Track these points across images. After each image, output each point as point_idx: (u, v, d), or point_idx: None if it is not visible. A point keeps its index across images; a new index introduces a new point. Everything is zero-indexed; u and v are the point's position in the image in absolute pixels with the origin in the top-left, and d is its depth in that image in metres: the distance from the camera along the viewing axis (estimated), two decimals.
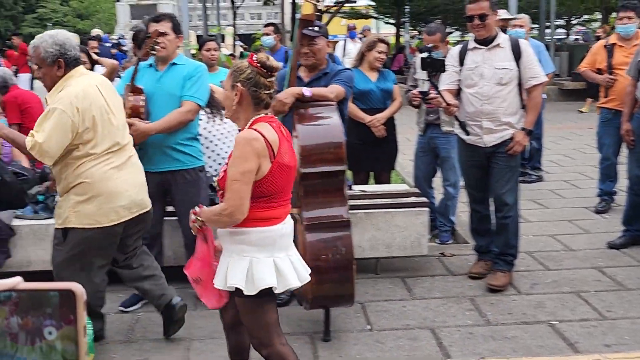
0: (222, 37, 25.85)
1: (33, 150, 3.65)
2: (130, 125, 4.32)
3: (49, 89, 3.86)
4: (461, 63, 5.03)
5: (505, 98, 4.91)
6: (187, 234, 4.75)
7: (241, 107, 3.07)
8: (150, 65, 4.70)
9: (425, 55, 4.73)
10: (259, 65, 3.05)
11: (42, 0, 58.21)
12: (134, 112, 4.48)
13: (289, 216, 3.21)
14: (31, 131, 3.69)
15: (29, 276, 4.37)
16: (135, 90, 4.54)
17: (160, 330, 4.40)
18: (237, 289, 3.02)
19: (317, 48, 4.52)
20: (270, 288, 3.03)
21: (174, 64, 4.68)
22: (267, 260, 3.03)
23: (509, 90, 4.91)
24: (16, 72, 19.22)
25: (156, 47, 4.53)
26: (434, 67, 4.71)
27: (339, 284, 4.14)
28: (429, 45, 5.21)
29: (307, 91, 4.27)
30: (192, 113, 4.62)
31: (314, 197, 4.17)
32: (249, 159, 2.93)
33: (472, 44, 5.03)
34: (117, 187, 3.85)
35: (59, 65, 3.77)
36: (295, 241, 4.43)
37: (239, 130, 3.12)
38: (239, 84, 3.04)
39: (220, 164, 5.46)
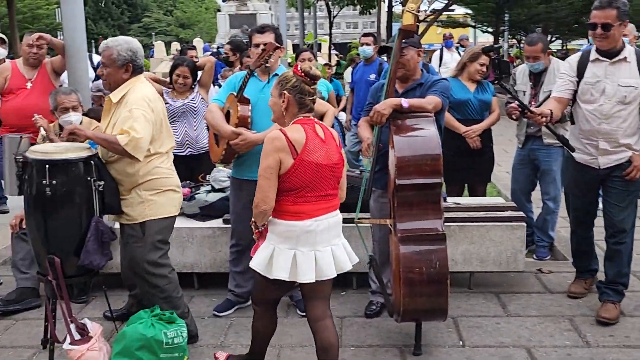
0: (319, 46, 26.08)
1: (128, 146, 3.89)
2: (237, 134, 4.41)
3: (110, 88, 4.17)
4: (579, 75, 4.61)
5: (626, 118, 4.50)
6: None
7: (287, 111, 3.50)
8: (253, 75, 4.77)
9: (493, 56, 4.58)
10: (303, 74, 3.47)
11: (147, 11, 60.44)
12: (241, 122, 4.53)
13: (329, 214, 3.52)
14: (116, 133, 3.96)
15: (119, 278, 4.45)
16: (243, 100, 4.59)
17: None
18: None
19: (405, 59, 4.46)
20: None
21: (277, 75, 4.71)
22: (287, 252, 3.43)
23: (631, 110, 4.49)
24: None
25: (270, 59, 4.59)
26: (501, 69, 4.52)
27: (432, 298, 4.07)
28: (496, 46, 5.02)
29: (404, 102, 4.23)
30: None
31: (408, 209, 4.11)
32: (269, 155, 3.38)
33: (593, 55, 4.58)
34: (177, 182, 4.31)
35: (127, 69, 4.09)
36: (387, 252, 4.43)
37: None
38: (286, 92, 3.47)
39: None
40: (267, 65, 4.62)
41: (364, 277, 5.14)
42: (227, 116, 4.66)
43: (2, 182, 4.54)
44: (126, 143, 3.90)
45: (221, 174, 5.59)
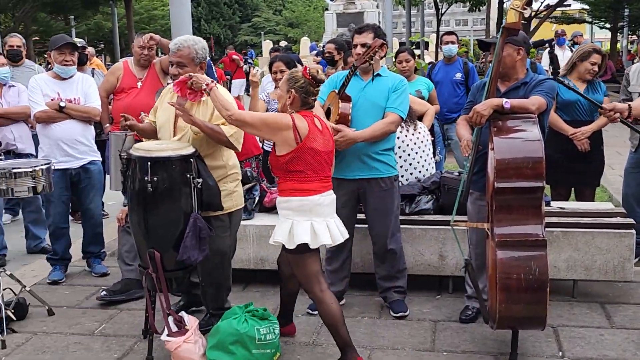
0: (426, 45, 25.77)
1: (233, 137, 4.21)
2: (337, 131, 4.45)
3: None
4: None
5: None
6: (376, 241, 4.78)
7: (291, 106, 3.92)
8: (355, 74, 4.77)
9: (548, 49, 4.33)
10: (310, 77, 3.88)
11: (257, 10, 61.68)
12: (341, 119, 4.59)
13: (329, 192, 4.00)
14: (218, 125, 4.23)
15: None
16: (345, 98, 4.64)
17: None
18: (284, 245, 3.94)
19: (501, 56, 4.31)
20: (307, 244, 3.86)
21: (379, 75, 4.74)
22: (305, 223, 3.87)
23: None
24: (231, 78, 20.56)
25: (374, 58, 4.61)
26: (553, 63, 4.28)
27: (530, 306, 3.93)
28: (547, 39, 4.75)
29: (506, 103, 4.09)
30: (395, 125, 4.69)
31: (507, 213, 3.98)
32: (278, 120, 3.87)
33: None
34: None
35: (201, 67, 4.32)
36: (484, 256, 4.31)
37: None
38: (293, 90, 3.89)
39: (412, 173, 5.43)
40: (371, 63, 4.63)
41: (460, 280, 5.03)
42: (328, 113, 4.69)
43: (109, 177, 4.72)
44: (231, 134, 4.19)
45: None
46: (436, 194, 5.32)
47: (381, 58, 4.81)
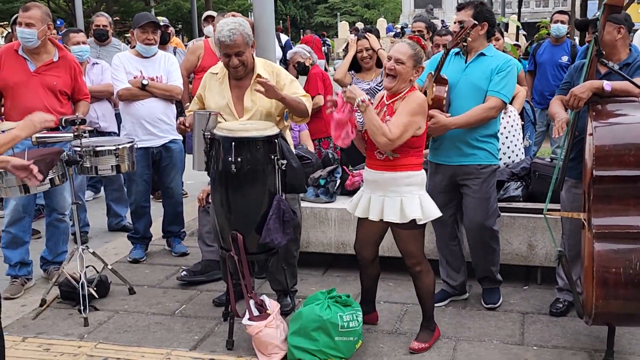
0: (506, 26, 25.07)
1: (309, 108, 4.42)
2: (430, 117, 4.26)
3: (246, 72, 4.33)
4: None
5: None
6: (473, 229, 4.57)
7: (412, 82, 3.98)
8: (457, 54, 4.55)
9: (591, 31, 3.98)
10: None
11: None
12: (435, 103, 4.32)
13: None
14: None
15: (306, 256, 4.52)
16: (440, 80, 4.37)
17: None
18: (405, 222, 3.85)
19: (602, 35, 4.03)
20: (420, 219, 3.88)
21: (482, 54, 4.46)
22: (426, 195, 3.92)
23: None
24: None
25: (468, 38, 4.33)
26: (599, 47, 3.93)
27: (629, 302, 3.68)
28: (592, 18, 4.35)
29: (607, 85, 3.84)
30: (496, 110, 4.39)
31: (607, 203, 3.74)
32: (417, 114, 3.83)
33: None
34: None
35: (252, 45, 4.34)
36: (578, 247, 4.08)
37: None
38: (419, 66, 3.98)
39: (500, 158, 5.20)
40: (465, 44, 4.38)
41: (548, 271, 4.82)
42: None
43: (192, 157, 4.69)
44: (309, 105, 4.37)
45: None
46: (526, 180, 5.09)
47: (481, 35, 4.44)
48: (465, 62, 4.47)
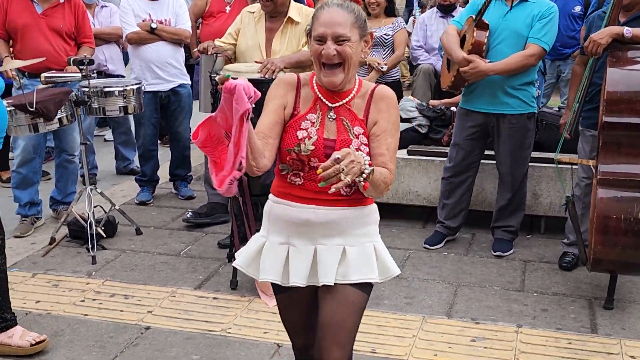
0: None
1: None
2: (469, 61, 4.22)
3: (277, 11, 4.30)
4: None
5: None
6: (502, 178, 4.61)
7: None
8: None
9: None
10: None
11: None
12: (475, 48, 4.29)
13: None
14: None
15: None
16: (481, 25, 4.31)
17: (429, 270, 4.37)
18: (360, 283, 2.37)
19: None
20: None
21: (525, 0, 4.39)
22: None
23: None
24: None
25: None
26: None
27: (629, 250, 3.70)
28: None
29: (627, 31, 3.76)
30: (536, 58, 4.34)
31: (615, 151, 3.73)
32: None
33: None
34: None
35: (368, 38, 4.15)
36: (589, 197, 4.06)
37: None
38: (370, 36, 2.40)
39: None
40: None
41: (552, 220, 4.85)
42: (463, 41, 4.43)
43: (199, 101, 4.70)
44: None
45: (409, 104, 5.44)
46: None
47: None
48: (510, 7, 4.38)
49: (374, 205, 2.47)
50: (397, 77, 6.33)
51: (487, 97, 4.41)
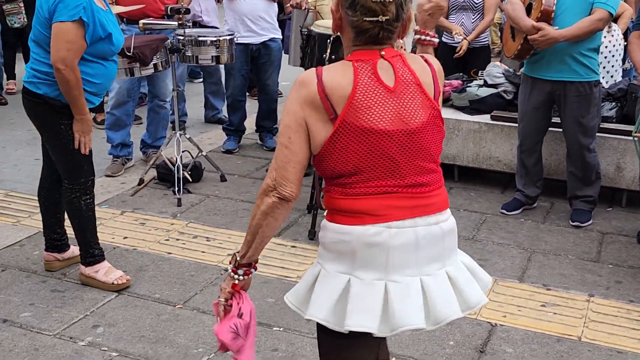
0: None
1: None
2: (538, 29, 4.21)
3: None
4: None
5: None
6: (571, 147, 4.57)
7: (342, 36, 2.06)
8: None
9: None
10: None
11: None
12: (544, 16, 4.27)
13: (417, 219, 1.97)
14: None
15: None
16: None
17: (504, 235, 4.40)
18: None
19: None
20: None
21: None
22: (339, 277, 1.97)
23: None
24: None
25: None
26: None
27: None
28: None
29: None
30: (604, 22, 4.31)
31: None
32: (290, 108, 1.96)
33: None
34: None
35: None
36: None
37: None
38: (340, 5, 1.99)
39: (605, 78, 5.10)
40: None
41: (633, 194, 4.77)
42: (529, 9, 4.40)
43: (288, 55, 4.81)
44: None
45: (496, 70, 5.41)
46: (621, 101, 4.97)
47: None
48: None
49: (326, 223, 2.06)
50: (487, 42, 6.25)
51: (555, 64, 4.36)
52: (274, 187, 1.96)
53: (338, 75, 1.93)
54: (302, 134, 1.95)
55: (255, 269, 2.13)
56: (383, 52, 1.96)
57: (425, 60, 2.05)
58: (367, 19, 1.91)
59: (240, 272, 2.09)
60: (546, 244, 4.34)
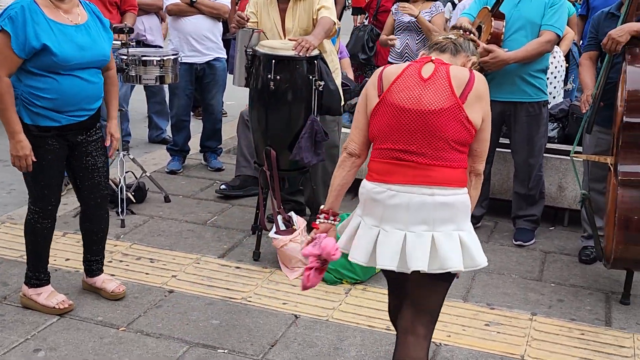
0: None
1: (333, 18, 4.37)
2: (488, 52, 4.27)
3: None
4: None
5: None
6: (518, 167, 4.65)
7: None
8: None
9: None
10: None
11: None
12: (493, 38, 4.36)
13: (414, 187, 2.47)
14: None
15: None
16: (498, 15, 4.38)
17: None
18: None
19: None
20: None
21: None
22: (357, 218, 2.62)
23: None
24: None
25: None
26: None
27: None
28: None
29: None
30: (552, 44, 4.45)
31: (635, 150, 3.74)
32: (362, 92, 2.64)
33: None
34: None
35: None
36: (603, 192, 4.09)
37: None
38: None
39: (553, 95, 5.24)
40: None
41: (576, 214, 4.86)
42: (479, 31, 4.47)
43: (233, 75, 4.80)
44: (334, 21, 4.30)
45: None
46: (563, 122, 5.09)
47: None
48: None
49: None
50: None
51: (506, 86, 4.45)
52: (345, 147, 2.64)
53: (395, 68, 2.58)
54: (363, 108, 2.60)
55: (335, 220, 2.68)
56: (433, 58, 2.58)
57: (470, 70, 2.61)
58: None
59: (322, 216, 2.67)
60: (490, 263, 4.31)
